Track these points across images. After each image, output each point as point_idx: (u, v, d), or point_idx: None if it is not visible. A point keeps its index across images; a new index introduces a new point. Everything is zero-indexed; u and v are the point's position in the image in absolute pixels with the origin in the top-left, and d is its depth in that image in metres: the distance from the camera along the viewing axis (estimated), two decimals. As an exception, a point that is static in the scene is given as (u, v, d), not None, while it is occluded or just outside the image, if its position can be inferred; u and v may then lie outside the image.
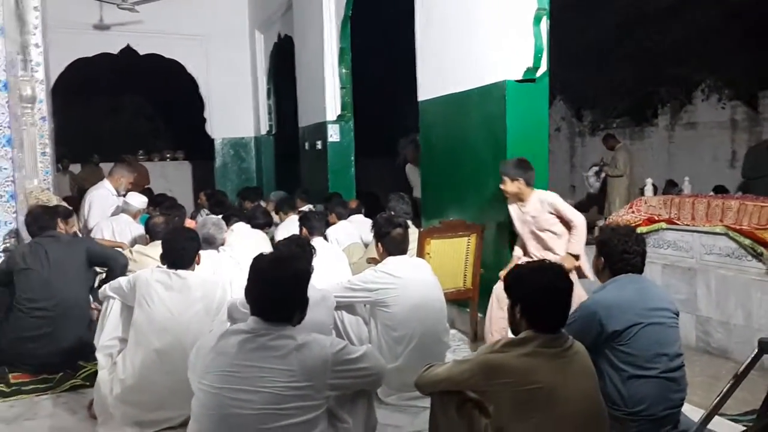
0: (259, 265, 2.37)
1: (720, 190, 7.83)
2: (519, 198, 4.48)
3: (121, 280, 3.65)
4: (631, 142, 11.17)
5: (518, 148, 4.60)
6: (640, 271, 3.06)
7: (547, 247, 4.43)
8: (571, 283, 2.41)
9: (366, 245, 5.32)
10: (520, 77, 4.69)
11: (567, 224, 4.37)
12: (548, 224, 4.39)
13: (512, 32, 4.67)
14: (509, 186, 4.43)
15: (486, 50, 4.87)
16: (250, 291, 2.34)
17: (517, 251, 4.66)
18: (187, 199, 10.92)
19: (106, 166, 10.20)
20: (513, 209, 4.58)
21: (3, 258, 4.51)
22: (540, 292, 2.34)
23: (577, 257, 4.31)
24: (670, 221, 5.14)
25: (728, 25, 9.54)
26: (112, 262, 4.44)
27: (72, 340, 4.14)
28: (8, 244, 4.68)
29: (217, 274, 3.98)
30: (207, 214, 6.71)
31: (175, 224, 5.02)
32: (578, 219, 4.33)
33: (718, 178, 9.17)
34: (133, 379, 3.35)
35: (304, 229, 4.81)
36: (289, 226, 5.71)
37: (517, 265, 2.67)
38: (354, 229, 5.79)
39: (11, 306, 4.23)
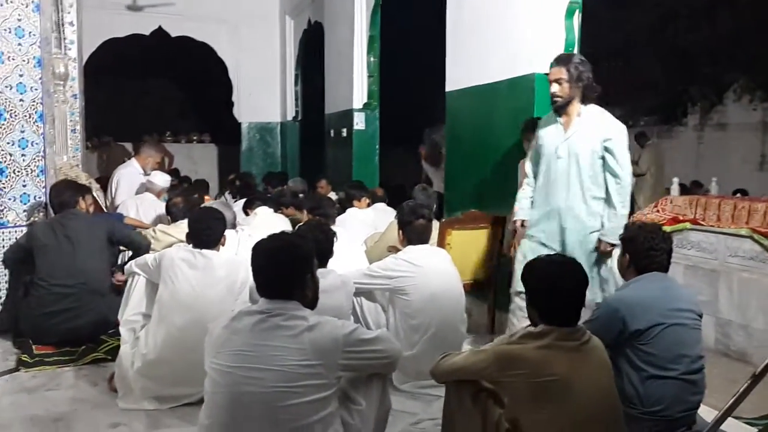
0: (257, 245, 2.40)
1: (740, 193, 7.70)
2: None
3: (147, 257, 3.71)
4: (658, 141, 11.05)
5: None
6: (666, 269, 3.02)
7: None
8: (582, 278, 2.36)
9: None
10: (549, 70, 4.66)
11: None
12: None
13: (544, 25, 4.65)
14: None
15: (516, 42, 4.84)
16: (252, 271, 2.39)
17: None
18: (212, 181, 11.00)
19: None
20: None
21: (23, 234, 4.54)
22: (544, 287, 2.34)
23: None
24: (695, 221, 5.08)
25: (762, 26, 9.38)
26: (136, 245, 4.50)
27: (93, 317, 4.15)
28: (36, 218, 4.75)
29: (239, 255, 4.02)
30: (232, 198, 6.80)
31: (194, 203, 5.06)
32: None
33: (746, 180, 9.04)
34: (155, 354, 3.41)
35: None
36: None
37: (533, 259, 2.62)
38: (375, 217, 5.79)
39: (31, 283, 4.24)
